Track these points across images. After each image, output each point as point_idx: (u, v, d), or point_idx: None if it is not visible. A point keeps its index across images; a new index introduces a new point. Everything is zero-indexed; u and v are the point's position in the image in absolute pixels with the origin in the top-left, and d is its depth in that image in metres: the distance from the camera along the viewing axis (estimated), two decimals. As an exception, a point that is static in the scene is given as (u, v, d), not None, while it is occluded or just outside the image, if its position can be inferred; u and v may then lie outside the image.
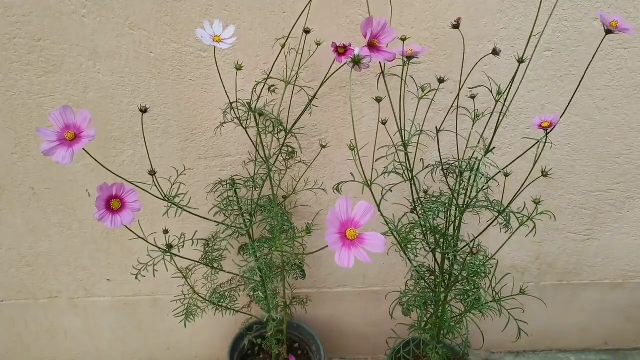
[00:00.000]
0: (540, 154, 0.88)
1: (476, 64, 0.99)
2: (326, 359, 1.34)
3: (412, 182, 0.97)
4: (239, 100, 0.98)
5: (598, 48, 0.88)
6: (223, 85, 0.95)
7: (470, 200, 0.98)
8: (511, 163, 0.97)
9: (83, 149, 0.69)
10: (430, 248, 1.05)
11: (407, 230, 0.99)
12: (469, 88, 1.03)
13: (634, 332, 1.60)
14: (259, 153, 1.02)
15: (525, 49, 0.87)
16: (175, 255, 0.93)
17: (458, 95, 0.96)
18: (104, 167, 0.84)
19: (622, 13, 1.07)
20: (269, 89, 0.99)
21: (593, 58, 0.89)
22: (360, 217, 0.53)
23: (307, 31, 0.92)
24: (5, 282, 1.35)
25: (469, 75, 1.01)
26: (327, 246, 0.51)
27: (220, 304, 1.12)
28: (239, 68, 0.92)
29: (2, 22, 1.01)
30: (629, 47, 1.12)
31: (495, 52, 0.89)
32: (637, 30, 1.10)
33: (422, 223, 1.02)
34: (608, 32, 0.80)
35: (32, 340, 1.47)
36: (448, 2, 1.05)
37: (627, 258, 1.44)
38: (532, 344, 1.60)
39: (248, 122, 0.97)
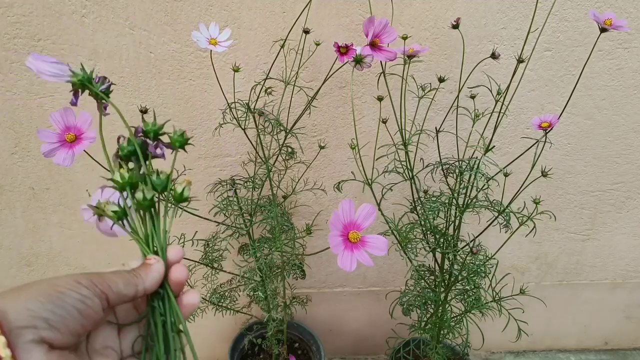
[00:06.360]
0: (539, 154, 0.88)
1: (477, 65, 0.99)
2: (326, 359, 1.34)
3: (412, 181, 0.97)
4: (238, 101, 0.98)
5: (593, 47, 0.88)
6: (220, 86, 0.95)
7: (470, 200, 0.98)
8: (511, 163, 0.97)
9: (83, 150, 0.69)
10: (430, 248, 1.05)
11: (407, 230, 0.99)
12: (469, 88, 1.03)
13: (634, 332, 1.60)
14: (258, 154, 1.02)
15: (523, 47, 0.87)
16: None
17: (458, 94, 0.96)
18: (103, 167, 0.84)
19: (622, 13, 1.07)
20: (265, 90, 0.99)
21: (589, 57, 0.89)
22: (363, 219, 0.52)
23: (306, 31, 0.92)
24: (5, 282, 1.35)
25: (469, 75, 1.01)
26: (328, 248, 0.51)
27: (220, 304, 1.12)
28: (236, 70, 0.92)
29: (2, 22, 1.01)
30: (629, 47, 1.12)
31: (493, 56, 0.89)
32: (635, 29, 1.10)
33: (422, 223, 1.02)
34: (603, 30, 0.80)
35: (32, 340, 1.47)
36: (448, 1, 1.05)
37: (627, 258, 1.44)
38: (532, 344, 1.60)
39: (247, 123, 0.97)
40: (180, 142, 0.45)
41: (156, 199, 0.43)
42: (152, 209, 0.42)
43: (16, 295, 0.33)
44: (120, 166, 0.44)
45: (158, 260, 0.40)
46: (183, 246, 0.98)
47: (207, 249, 1.11)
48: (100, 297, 0.36)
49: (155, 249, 0.42)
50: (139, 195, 0.41)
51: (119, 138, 0.44)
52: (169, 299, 0.40)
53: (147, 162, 0.44)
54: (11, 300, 0.33)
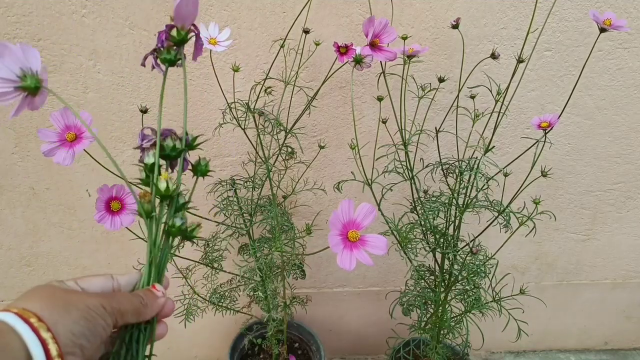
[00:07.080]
0: (539, 154, 0.88)
1: (477, 65, 0.99)
2: (326, 358, 1.34)
3: (412, 181, 0.97)
4: (238, 101, 0.98)
5: (593, 47, 0.88)
6: (220, 86, 0.95)
7: (470, 200, 0.98)
8: (511, 163, 0.97)
9: (83, 149, 0.69)
10: (430, 248, 1.05)
11: (407, 230, 0.99)
12: (468, 88, 1.03)
13: (634, 332, 1.60)
14: (258, 154, 1.02)
15: (523, 47, 0.87)
16: (175, 255, 0.93)
17: (458, 94, 0.96)
18: (103, 167, 0.84)
19: (622, 13, 1.07)
20: (265, 90, 0.99)
21: (589, 57, 0.89)
22: (363, 218, 0.52)
23: (306, 31, 0.92)
24: (5, 282, 1.35)
25: (469, 75, 1.01)
26: (328, 247, 0.51)
27: (220, 304, 1.12)
28: (236, 70, 0.92)
29: (2, 22, 1.01)
30: (629, 47, 1.12)
31: (493, 56, 0.89)
32: (635, 29, 1.10)
33: (422, 223, 1.02)
34: (602, 30, 0.80)
35: (32, 340, 1.47)
36: (448, 1, 1.05)
37: (627, 258, 1.44)
38: (532, 344, 1.60)
39: (247, 123, 0.97)
40: (203, 172, 0.47)
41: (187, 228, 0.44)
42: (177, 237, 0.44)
43: (61, 311, 0.35)
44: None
45: (163, 295, 0.43)
46: (183, 246, 0.98)
47: (207, 249, 1.11)
48: (114, 324, 0.39)
49: (159, 268, 0.44)
50: (175, 221, 0.43)
51: (167, 130, 0.45)
52: (152, 329, 0.43)
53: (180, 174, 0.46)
54: (60, 318, 0.35)
